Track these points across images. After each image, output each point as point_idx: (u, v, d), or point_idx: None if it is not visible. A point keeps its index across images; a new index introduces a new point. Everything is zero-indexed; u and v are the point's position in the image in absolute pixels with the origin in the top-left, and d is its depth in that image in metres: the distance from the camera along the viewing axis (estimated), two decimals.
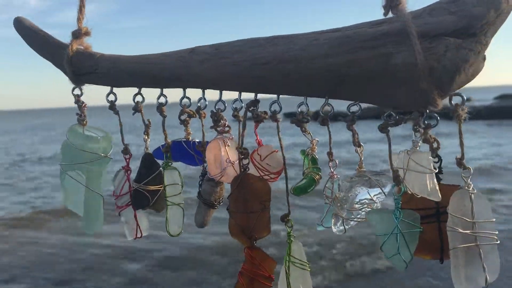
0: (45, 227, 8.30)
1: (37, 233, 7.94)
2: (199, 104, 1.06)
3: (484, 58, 0.81)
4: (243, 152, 0.99)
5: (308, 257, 0.99)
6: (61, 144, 1.12)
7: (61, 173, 1.14)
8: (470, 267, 0.82)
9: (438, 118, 0.84)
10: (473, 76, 0.81)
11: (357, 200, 0.89)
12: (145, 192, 1.10)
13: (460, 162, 0.83)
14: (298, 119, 0.95)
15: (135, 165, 1.15)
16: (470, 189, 0.83)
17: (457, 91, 0.81)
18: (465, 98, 0.82)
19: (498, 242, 0.83)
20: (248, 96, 0.99)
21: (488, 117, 26.11)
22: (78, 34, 1.08)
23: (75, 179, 1.12)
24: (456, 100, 0.82)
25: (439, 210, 0.87)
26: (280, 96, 0.96)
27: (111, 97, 1.11)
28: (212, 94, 1.05)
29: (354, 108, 0.89)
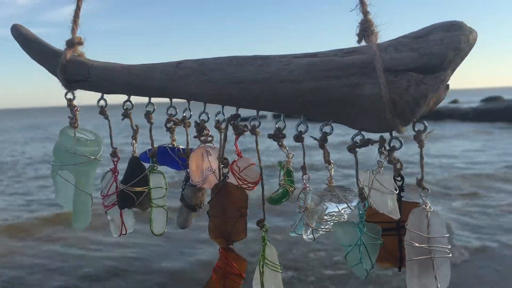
0: None
1: None
2: (184, 114, 1.12)
3: (446, 88, 0.89)
4: (223, 162, 1.07)
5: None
6: (53, 145, 1.19)
7: (52, 171, 1.21)
8: (424, 277, 0.92)
9: (402, 141, 0.92)
10: (435, 105, 0.89)
11: (326, 212, 0.98)
12: (130, 193, 1.17)
13: (419, 183, 0.92)
14: (274, 135, 1.02)
15: (124, 165, 1.22)
16: (427, 207, 0.92)
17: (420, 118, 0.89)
18: (426, 125, 0.90)
19: (450, 255, 0.92)
20: (231, 108, 1.06)
21: (475, 119, 26.17)
22: (71, 44, 1.13)
23: (65, 179, 1.19)
24: (418, 126, 0.90)
25: (399, 224, 0.96)
26: None
27: (102, 103, 1.17)
28: (197, 104, 1.11)
29: (327, 129, 0.96)
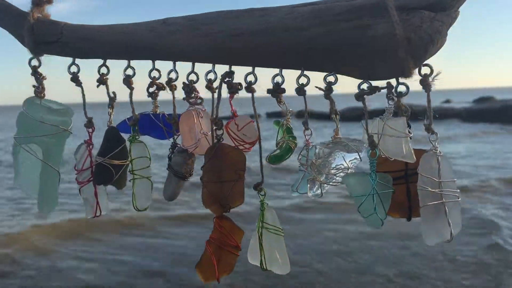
0: None
1: None
2: (170, 76, 1.05)
3: (446, 34, 0.90)
4: (217, 123, 1.00)
5: None
6: (17, 116, 1.05)
7: (14, 148, 1.07)
8: (438, 223, 0.90)
9: (409, 87, 0.91)
10: (438, 49, 0.89)
11: (333, 165, 0.94)
12: (109, 166, 1.07)
13: (428, 128, 0.91)
14: (273, 89, 0.98)
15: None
16: (437, 151, 0.91)
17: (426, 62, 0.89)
18: (433, 68, 0.90)
19: (460, 199, 0.92)
20: (223, 67, 1.00)
21: (467, 119, 26.62)
22: (39, 1, 1.02)
23: (31, 153, 1.05)
24: (424, 70, 0.90)
25: (407, 173, 0.94)
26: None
27: (73, 69, 1.06)
28: (183, 66, 1.04)
29: (331, 79, 0.94)
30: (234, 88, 0.99)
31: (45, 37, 1.02)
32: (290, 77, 0.99)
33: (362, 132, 0.94)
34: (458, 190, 0.92)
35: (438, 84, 0.90)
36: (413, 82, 0.90)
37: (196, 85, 1.04)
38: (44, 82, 1.08)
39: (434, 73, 0.89)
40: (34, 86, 1.07)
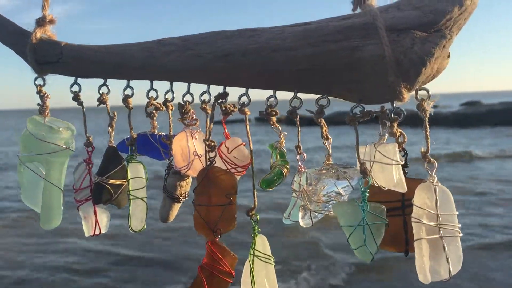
0: None
1: None
2: (166, 97, 1.04)
3: (448, 56, 0.83)
4: (210, 145, 0.98)
5: None
6: (21, 135, 1.08)
7: (19, 166, 1.10)
8: (434, 259, 0.84)
9: (404, 111, 0.85)
10: (438, 72, 0.83)
11: (324, 192, 0.89)
12: (107, 186, 1.07)
13: (425, 156, 0.85)
14: (266, 113, 0.95)
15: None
16: (435, 182, 0.84)
17: (423, 86, 0.83)
18: (430, 92, 0.84)
19: (461, 234, 0.84)
20: (218, 88, 0.98)
21: (455, 123, 26.28)
22: (42, 22, 1.04)
23: (34, 172, 1.08)
24: (421, 94, 0.84)
25: (404, 203, 0.88)
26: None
27: (75, 88, 1.08)
28: (181, 86, 1.03)
29: (323, 102, 0.89)
30: (227, 110, 0.97)
31: (46, 58, 1.04)
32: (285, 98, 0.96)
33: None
34: (459, 225, 0.84)
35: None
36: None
37: (192, 105, 1.02)
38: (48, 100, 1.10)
39: (432, 98, 0.84)
40: (38, 104, 1.09)
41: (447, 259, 0.83)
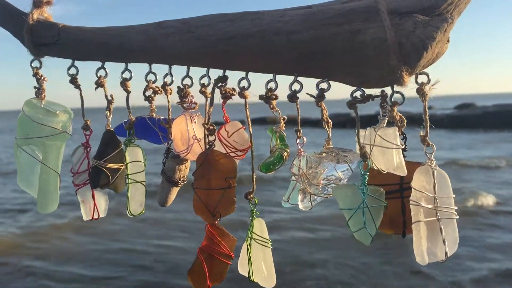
0: None
1: None
2: (165, 80, 1.04)
3: (448, 40, 0.84)
4: (209, 129, 0.98)
5: None
6: (18, 117, 1.07)
7: (15, 149, 1.09)
8: (431, 241, 0.85)
9: (404, 95, 0.86)
10: (437, 57, 0.84)
11: (324, 176, 0.90)
12: (105, 169, 1.06)
13: (424, 139, 0.86)
14: (266, 96, 0.95)
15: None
16: (433, 165, 0.86)
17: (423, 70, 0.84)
18: (430, 77, 0.84)
19: (457, 217, 0.86)
20: (218, 71, 0.98)
21: (449, 125, 26.45)
22: (39, 3, 1.03)
23: (31, 154, 1.07)
24: (421, 78, 0.85)
25: (402, 186, 0.89)
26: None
27: (72, 71, 1.07)
28: (180, 70, 1.03)
29: (323, 85, 0.90)
30: (227, 94, 0.97)
31: (43, 39, 1.03)
32: (284, 83, 0.96)
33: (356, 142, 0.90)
34: (456, 207, 0.86)
35: (434, 92, 0.85)
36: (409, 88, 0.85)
37: (191, 89, 1.02)
38: (45, 84, 1.09)
39: (432, 82, 0.84)
40: (35, 87, 1.09)
41: (444, 240, 0.85)
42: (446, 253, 0.84)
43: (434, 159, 0.86)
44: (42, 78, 1.08)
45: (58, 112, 1.07)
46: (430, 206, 0.85)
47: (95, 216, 1.13)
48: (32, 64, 1.08)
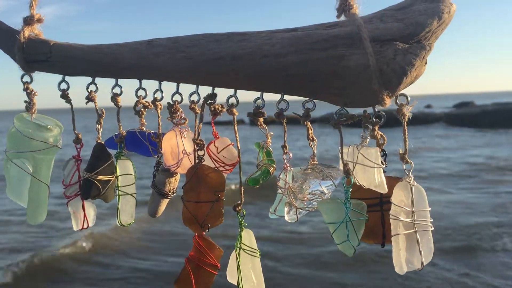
0: None
1: None
2: (155, 96, 1.07)
3: (425, 63, 0.90)
4: (199, 144, 1.02)
5: None
6: (8, 131, 1.09)
7: (5, 162, 1.11)
8: (409, 251, 0.91)
9: (385, 115, 0.91)
10: (416, 78, 0.90)
11: (309, 190, 0.95)
12: (95, 181, 1.09)
13: (403, 157, 0.92)
14: (254, 113, 0.99)
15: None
16: (411, 181, 0.92)
17: (402, 91, 0.90)
18: (409, 98, 0.90)
19: (433, 228, 0.92)
20: (207, 88, 1.02)
21: (448, 123, 27.01)
22: (30, 21, 1.05)
23: (21, 168, 1.09)
24: (401, 100, 0.91)
25: (382, 200, 0.95)
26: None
27: (63, 86, 1.09)
28: (170, 86, 1.06)
29: (309, 105, 0.95)
30: (216, 111, 1.01)
31: (35, 56, 1.05)
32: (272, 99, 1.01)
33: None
34: (431, 220, 0.92)
35: (418, 90, 0.91)
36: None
37: (180, 105, 1.06)
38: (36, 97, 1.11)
39: (410, 103, 0.90)
40: (25, 101, 1.10)
41: (420, 251, 0.91)
42: (422, 262, 0.91)
43: (412, 176, 0.92)
44: (33, 92, 1.10)
45: (48, 126, 1.09)
46: (408, 220, 0.91)
47: (85, 226, 1.16)
48: (23, 79, 1.09)
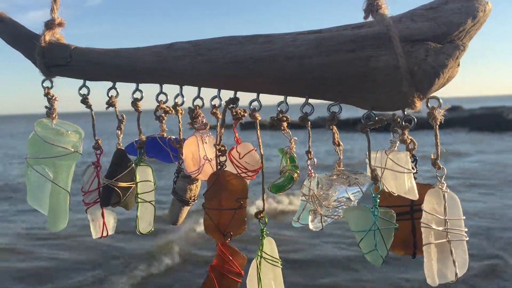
0: None
1: None
2: (176, 100, 1.05)
3: (458, 64, 0.86)
4: (220, 149, 0.99)
5: None
6: (29, 137, 1.07)
7: (26, 168, 1.09)
8: (442, 262, 0.86)
9: (415, 119, 0.87)
10: (448, 80, 0.85)
11: (335, 197, 0.91)
12: (115, 188, 1.07)
13: (435, 162, 0.87)
14: (278, 118, 0.96)
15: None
16: (444, 188, 0.87)
17: (434, 94, 0.86)
18: (441, 101, 0.86)
19: (467, 238, 0.87)
20: (229, 92, 0.99)
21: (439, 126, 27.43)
22: (51, 25, 1.04)
23: (41, 174, 1.08)
24: (432, 103, 0.86)
25: (413, 208, 0.90)
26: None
27: (84, 91, 1.08)
28: (191, 90, 1.04)
29: (335, 108, 0.91)
30: (238, 115, 0.98)
31: (55, 61, 1.04)
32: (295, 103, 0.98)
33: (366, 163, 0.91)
34: (466, 229, 0.87)
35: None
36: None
37: (201, 110, 1.03)
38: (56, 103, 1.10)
39: (443, 106, 0.86)
40: (46, 107, 1.09)
41: (454, 262, 0.86)
42: (456, 274, 0.86)
43: (444, 182, 0.87)
44: (54, 98, 1.09)
45: (69, 132, 1.08)
46: (440, 228, 0.86)
47: (104, 234, 1.14)
48: (44, 84, 1.08)
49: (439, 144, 0.87)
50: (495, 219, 8.58)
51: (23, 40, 1.06)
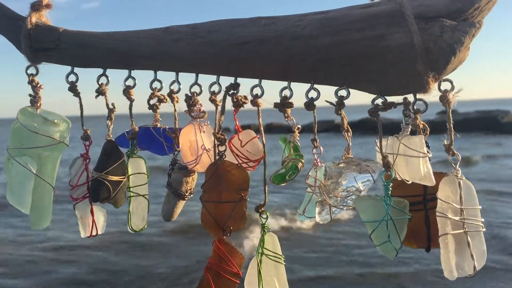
0: None
1: None
2: (171, 88, 0.98)
3: (468, 48, 0.82)
4: (219, 138, 0.93)
5: None
6: (11, 126, 1.00)
7: (7, 160, 1.01)
8: (459, 255, 0.81)
9: (427, 103, 0.83)
10: (460, 63, 0.81)
11: (343, 187, 0.86)
12: (106, 182, 1.00)
13: (448, 148, 0.83)
14: (281, 104, 0.91)
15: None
16: (459, 175, 0.82)
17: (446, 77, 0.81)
18: (454, 84, 0.81)
19: (484, 229, 0.82)
20: (228, 79, 0.93)
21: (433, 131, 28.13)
22: (38, 6, 0.97)
23: (24, 166, 0.99)
24: (444, 86, 0.82)
25: (426, 198, 0.85)
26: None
27: (72, 78, 1.01)
28: (187, 77, 0.98)
29: (343, 93, 0.86)
30: (239, 102, 0.93)
31: (42, 44, 0.97)
32: (299, 90, 0.92)
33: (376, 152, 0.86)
34: (482, 219, 0.82)
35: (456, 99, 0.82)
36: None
37: (199, 97, 0.97)
38: (41, 92, 1.02)
39: (455, 89, 0.81)
40: (30, 95, 1.02)
41: (472, 255, 0.81)
42: (474, 267, 0.81)
43: (459, 169, 0.83)
44: (38, 85, 1.02)
45: (55, 121, 1.01)
46: (457, 218, 0.81)
47: (93, 233, 1.06)
48: (28, 71, 1.01)
49: (452, 129, 0.83)
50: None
51: (7, 21, 0.99)
